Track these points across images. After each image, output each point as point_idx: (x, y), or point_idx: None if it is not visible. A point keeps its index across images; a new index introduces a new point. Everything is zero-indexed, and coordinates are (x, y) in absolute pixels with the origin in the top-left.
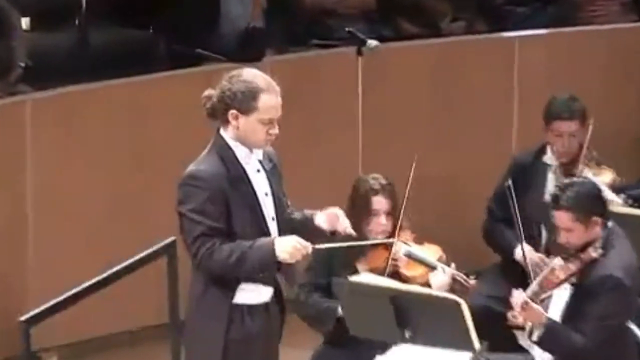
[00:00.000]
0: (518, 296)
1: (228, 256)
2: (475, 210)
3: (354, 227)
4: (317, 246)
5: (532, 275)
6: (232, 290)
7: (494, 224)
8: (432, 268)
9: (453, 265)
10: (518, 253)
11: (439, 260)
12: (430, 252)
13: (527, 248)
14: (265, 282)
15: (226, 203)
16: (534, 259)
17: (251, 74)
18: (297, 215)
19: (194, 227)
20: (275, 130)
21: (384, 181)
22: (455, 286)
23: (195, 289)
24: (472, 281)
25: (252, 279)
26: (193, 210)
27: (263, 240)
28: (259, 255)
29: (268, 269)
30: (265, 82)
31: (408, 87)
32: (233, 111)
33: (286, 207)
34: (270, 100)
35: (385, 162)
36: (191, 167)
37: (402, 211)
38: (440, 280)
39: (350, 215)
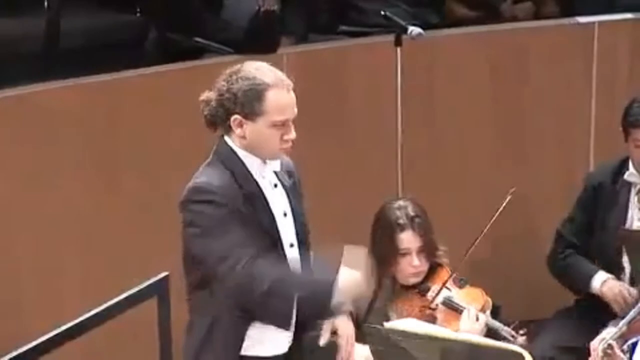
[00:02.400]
0: (600, 339)
1: (278, 271)
2: (544, 237)
3: (380, 267)
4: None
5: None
6: (241, 338)
7: (564, 250)
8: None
9: (488, 312)
10: (596, 284)
11: (483, 309)
12: (472, 298)
13: (607, 278)
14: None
15: (242, 224)
16: (614, 290)
17: (253, 68)
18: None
19: (219, 242)
20: (292, 135)
21: (411, 212)
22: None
23: (196, 336)
24: (520, 338)
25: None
26: (214, 225)
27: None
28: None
29: (324, 301)
30: (271, 75)
31: (460, 85)
32: (236, 117)
33: (308, 233)
34: (280, 98)
35: (431, 180)
36: (197, 180)
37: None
38: (467, 326)
39: (374, 252)
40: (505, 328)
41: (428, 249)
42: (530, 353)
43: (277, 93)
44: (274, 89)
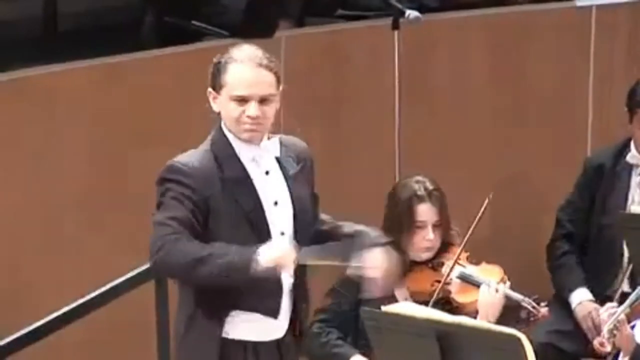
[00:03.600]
0: (611, 311)
1: (198, 248)
2: (544, 216)
3: (394, 239)
4: (301, 258)
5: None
6: (222, 318)
7: (561, 244)
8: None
9: (509, 283)
10: (573, 300)
11: (502, 282)
12: (490, 274)
13: (582, 300)
14: (265, 311)
15: (207, 212)
16: (584, 312)
17: (236, 47)
18: (339, 228)
19: (168, 211)
20: (252, 112)
21: (430, 186)
22: (521, 315)
23: (183, 313)
24: (542, 309)
25: (254, 307)
26: (171, 199)
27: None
28: (236, 255)
29: (239, 273)
30: (243, 53)
31: (458, 69)
32: (209, 90)
33: (312, 220)
34: (240, 72)
35: (430, 164)
36: (174, 159)
37: (466, 237)
38: (487, 299)
39: (387, 228)
40: (527, 299)
41: (443, 225)
42: (527, 337)
43: (240, 67)
44: (239, 63)
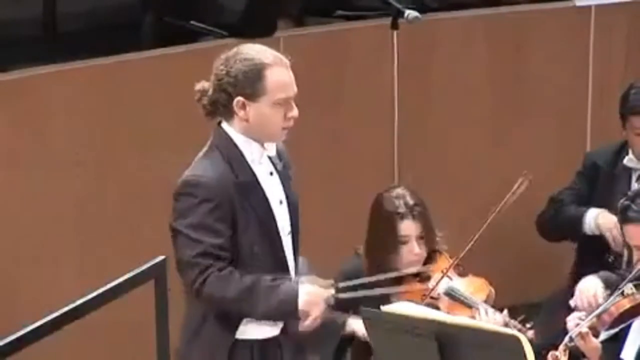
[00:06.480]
0: (576, 320)
1: (239, 288)
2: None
3: (379, 257)
4: (341, 295)
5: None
6: (237, 322)
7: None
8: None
9: (505, 311)
10: (589, 219)
11: (487, 300)
12: (476, 288)
13: (600, 211)
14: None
15: (233, 216)
16: (610, 224)
17: (249, 49)
18: None
19: (191, 246)
20: (294, 113)
21: (410, 200)
22: None
23: (191, 321)
24: (529, 332)
25: None
26: (191, 225)
27: (285, 282)
28: (278, 299)
29: (284, 319)
30: (269, 54)
31: (457, 68)
32: (238, 98)
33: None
34: (279, 76)
35: (427, 164)
36: (189, 173)
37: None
38: None
39: (373, 242)
40: (514, 322)
41: (427, 236)
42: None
43: (277, 71)
44: (273, 67)
